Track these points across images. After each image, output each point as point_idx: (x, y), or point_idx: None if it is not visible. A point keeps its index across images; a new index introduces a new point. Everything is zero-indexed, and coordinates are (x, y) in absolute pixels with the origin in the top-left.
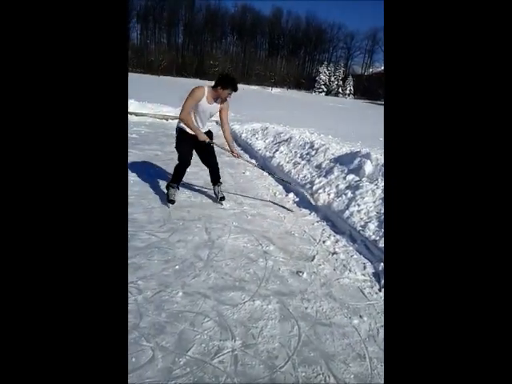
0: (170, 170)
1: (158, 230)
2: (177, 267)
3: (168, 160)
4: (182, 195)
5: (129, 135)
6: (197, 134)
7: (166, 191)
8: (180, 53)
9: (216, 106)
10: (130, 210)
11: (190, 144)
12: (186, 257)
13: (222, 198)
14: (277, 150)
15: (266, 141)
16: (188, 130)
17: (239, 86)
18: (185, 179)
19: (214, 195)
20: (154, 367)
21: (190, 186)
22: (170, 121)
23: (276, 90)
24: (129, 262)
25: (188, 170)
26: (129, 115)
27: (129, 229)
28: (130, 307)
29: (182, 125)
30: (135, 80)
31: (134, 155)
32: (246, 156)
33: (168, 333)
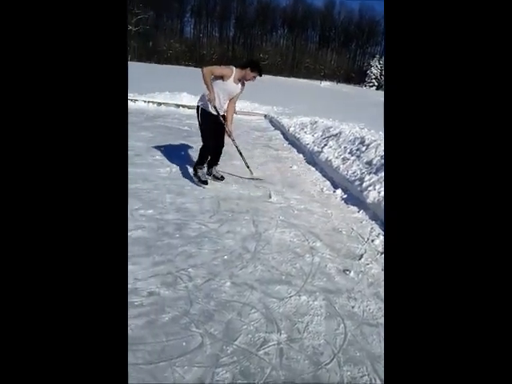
0: (220, 162)
1: (208, 220)
2: (225, 257)
3: None
4: (230, 187)
5: (181, 128)
6: (209, 91)
7: (194, 173)
8: (231, 46)
9: (239, 87)
10: (182, 200)
11: (211, 126)
12: (234, 248)
13: (223, 177)
14: (325, 145)
15: (315, 135)
16: (208, 108)
17: (288, 79)
18: (233, 172)
19: (216, 179)
20: (203, 353)
21: (238, 179)
22: None
23: (325, 84)
24: (180, 249)
25: (237, 162)
26: (182, 108)
27: (181, 218)
28: (181, 294)
29: (203, 104)
30: (188, 73)
31: (187, 147)
32: (294, 150)
33: (216, 321)
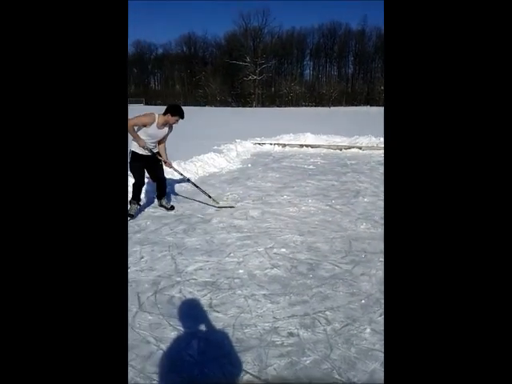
0: (347, 200)
1: (340, 260)
2: (363, 302)
3: (344, 190)
4: (360, 226)
5: (306, 167)
6: (136, 140)
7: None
8: (350, 82)
9: (165, 130)
10: (312, 239)
11: (142, 165)
12: (370, 291)
13: (172, 207)
14: None
15: None
16: (139, 151)
17: None
18: (363, 210)
19: (167, 209)
20: None
21: (368, 217)
22: (344, 150)
23: None
24: (315, 290)
25: (366, 199)
26: (305, 147)
27: (313, 257)
28: (320, 337)
29: (134, 149)
30: (309, 114)
31: (312, 185)
32: None
33: (359, 370)
